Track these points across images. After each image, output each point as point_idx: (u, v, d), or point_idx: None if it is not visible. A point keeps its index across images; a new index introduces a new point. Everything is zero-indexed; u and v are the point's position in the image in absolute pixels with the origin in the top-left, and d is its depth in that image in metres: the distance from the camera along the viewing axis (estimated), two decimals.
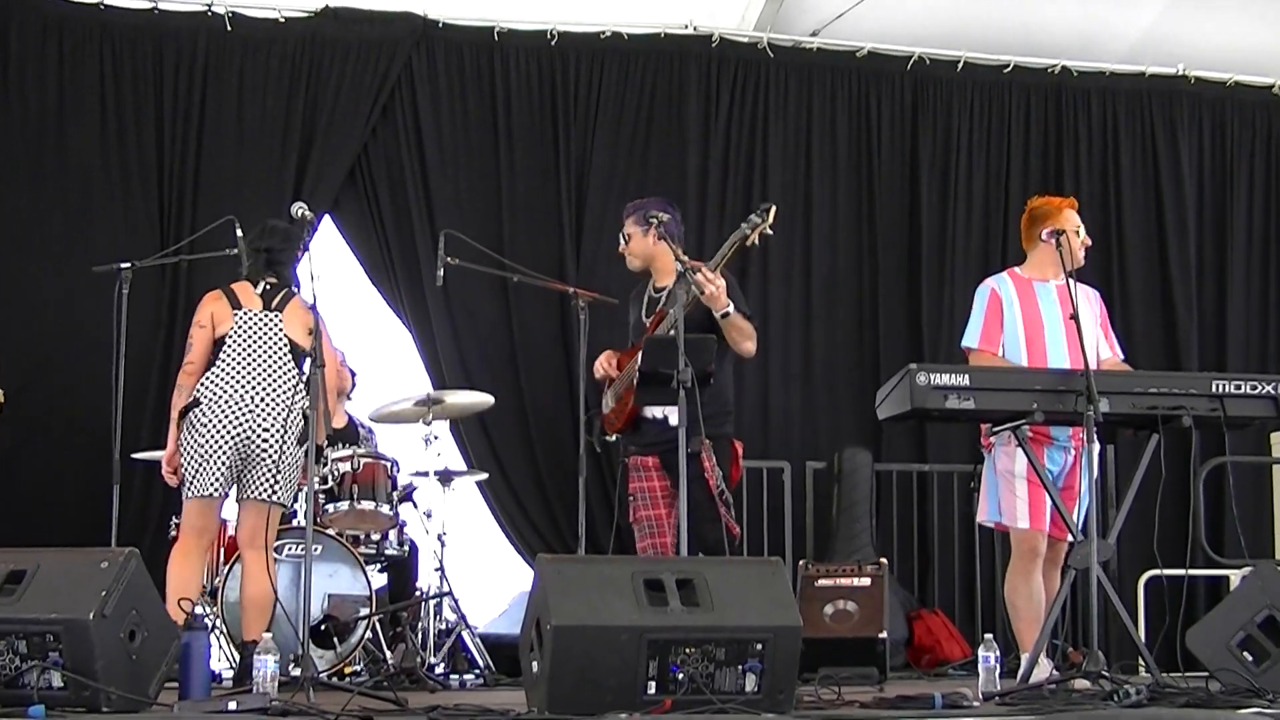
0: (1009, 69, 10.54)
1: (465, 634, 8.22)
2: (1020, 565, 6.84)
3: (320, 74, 9.54)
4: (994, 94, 10.58)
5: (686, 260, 6.79)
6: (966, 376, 6.44)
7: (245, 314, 6.92)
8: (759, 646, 5.36)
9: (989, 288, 7.10)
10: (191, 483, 6.78)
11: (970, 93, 10.55)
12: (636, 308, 7.39)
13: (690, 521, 6.74)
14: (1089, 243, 7.12)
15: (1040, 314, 6.98)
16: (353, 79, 9.55)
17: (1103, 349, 7.06)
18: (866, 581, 8.41)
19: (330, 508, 8.01)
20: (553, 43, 9.87)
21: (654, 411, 7.11)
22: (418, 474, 8.51)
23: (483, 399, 8.81)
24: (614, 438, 7.31)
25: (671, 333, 6.63)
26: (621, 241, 7.38)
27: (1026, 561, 6.81)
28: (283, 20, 9.55)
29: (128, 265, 7.38)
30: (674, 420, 6.90)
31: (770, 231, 7.06)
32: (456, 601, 8.28)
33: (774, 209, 7.02)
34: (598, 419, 7.45)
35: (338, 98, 9.52)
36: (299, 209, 6.64)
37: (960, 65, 10.48)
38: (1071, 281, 6.67)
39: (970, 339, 7.05)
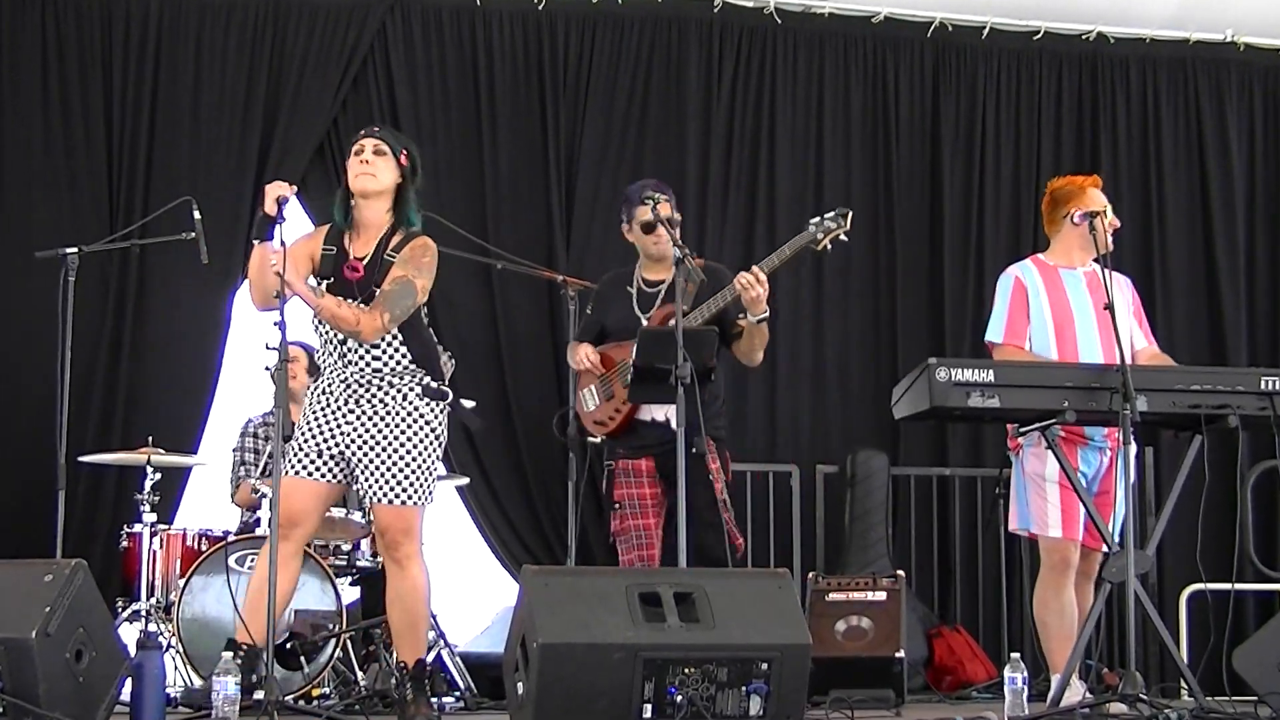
0: (1039, 36, 10.53)
1: (444, 653, 8.22)
2: (1051, 578, 6.84)
3: (285, 41, 9.51)
4: (1023, 63, 10.56)
5: (685, 248, 6.79)
6: (991, 372, 6.46)
7: None
8: (764, 666, 5.38)
9: (1012, 276, 7.12)
10: None
11: (997, 62, 10.53)
12: (621, 301, 7.42)
13: (690, 532, 6.77)
14: (1118, 224, 7.13)
15: (1070, 303, 6.99)
16: (321, 47, 9.52)
17: (1137, 339, 7.07)
18: (882, 596, 8.42)
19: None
20: (540, 7, 9.86)
21: (652, 413, 7.14)
22: None
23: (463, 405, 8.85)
24: (599, 439, 7.31)
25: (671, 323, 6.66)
26: (668, 223, 7.25)
27: (1058, 574, 6.82)
28: None
29: (74, 250, 7.38)
30: (676, 422, 6.95)
31: (845, 239, 7.14)
32: (435, 617, 8.28)
33: (850, 214, 7.10)
34: (576, 420, 7.47)
35: (304, 68, 9.50)
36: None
37: (986, 32, 10.46)
38: (1105, 267, 6.67)
39: (994, 333, 7.06)
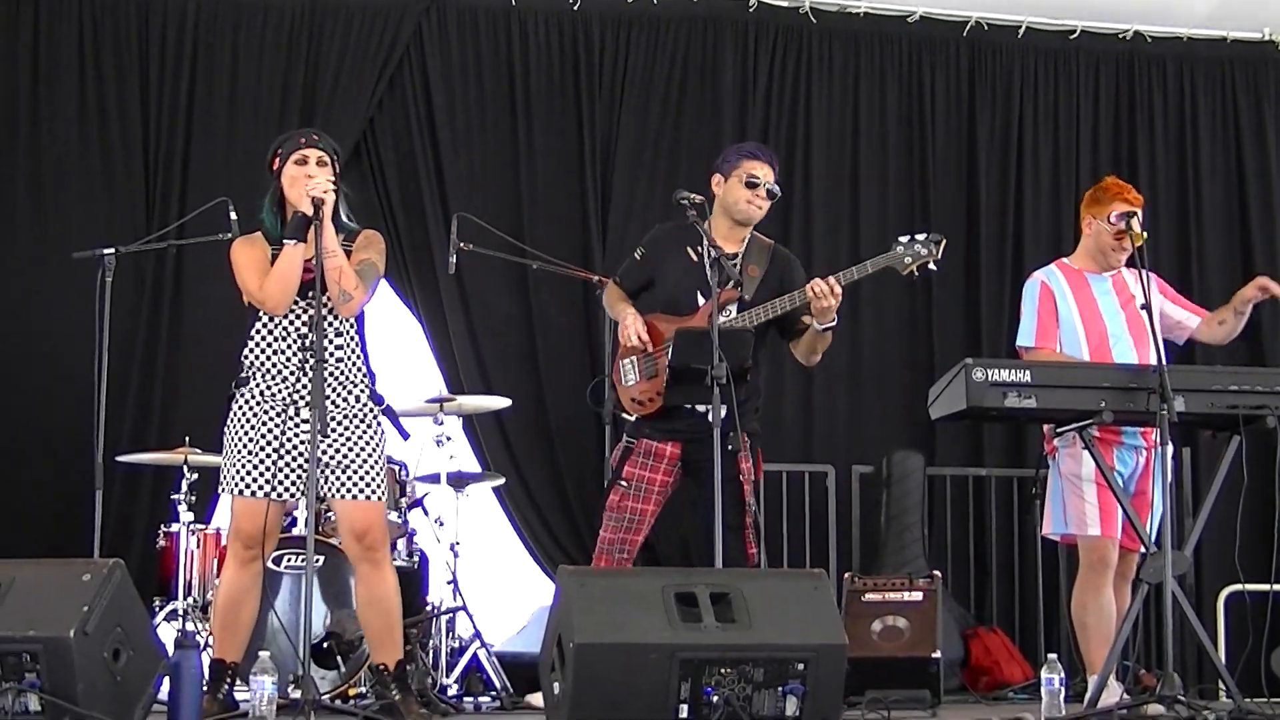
0: (1076, 35, 10.51)
1: (480, 652, 8.22)
2: (1090, 578, 6.82)
3: (321, 42, 9.53)
4: (1059, 63, 10.54)
5: (721, 249, 6.75)
6: (1027, 372, 6.45)
7: None
8: (801, 667, 5.37)
9: (1038, 281, 7.13)
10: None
11: (1033, 61, 10.51)
12: (681, 264, 7.19)
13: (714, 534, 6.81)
14: (1144, 235, 7.05)
15: (1098, 306, 6.98)
16: (357, 48, 9.54)
17: (1189, 320, 7.11)
18: (918, 596, 8.40)
19: (333, 515, 8.02)
20: (575, 8, 9.86)
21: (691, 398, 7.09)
22: (428, 478, 8.53)
23: (498, 402, 8.85)
24: (634, 417, 7.20)
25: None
26: (768, 192, 7.23)
27: (1097, 574, 6.80)
28: None
29: (111, 251, 7.39)
30: (712, 421, 6.92)
31: (934, 268, 7.06)
32: (471, 617, 8.30)
33: (944, 242, 7.01)
34: (613, 391, 7.30)
35: (340, 68, 9.52)
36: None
37: (1022, 31, 10.44)
38: (1142, 267, 6.65)
39: (1025, 338, 7.05)
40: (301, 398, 6.33)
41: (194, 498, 8.17)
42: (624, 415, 7.20)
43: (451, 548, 8.38)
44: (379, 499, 6.45)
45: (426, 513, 8.55)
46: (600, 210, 9.77)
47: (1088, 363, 6.82)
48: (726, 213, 7.21)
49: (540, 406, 9.57)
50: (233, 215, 7.34)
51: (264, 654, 5.80)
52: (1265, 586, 8.26)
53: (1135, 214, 6.90)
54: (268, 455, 6.33)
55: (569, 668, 5.21)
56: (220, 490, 6.52)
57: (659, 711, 5.21)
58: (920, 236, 7.00)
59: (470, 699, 8.09)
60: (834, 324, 6.95)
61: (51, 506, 8.76)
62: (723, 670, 5.29)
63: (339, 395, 6.40)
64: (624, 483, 7.09)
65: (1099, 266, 7.11)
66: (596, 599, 5.37)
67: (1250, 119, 10.66)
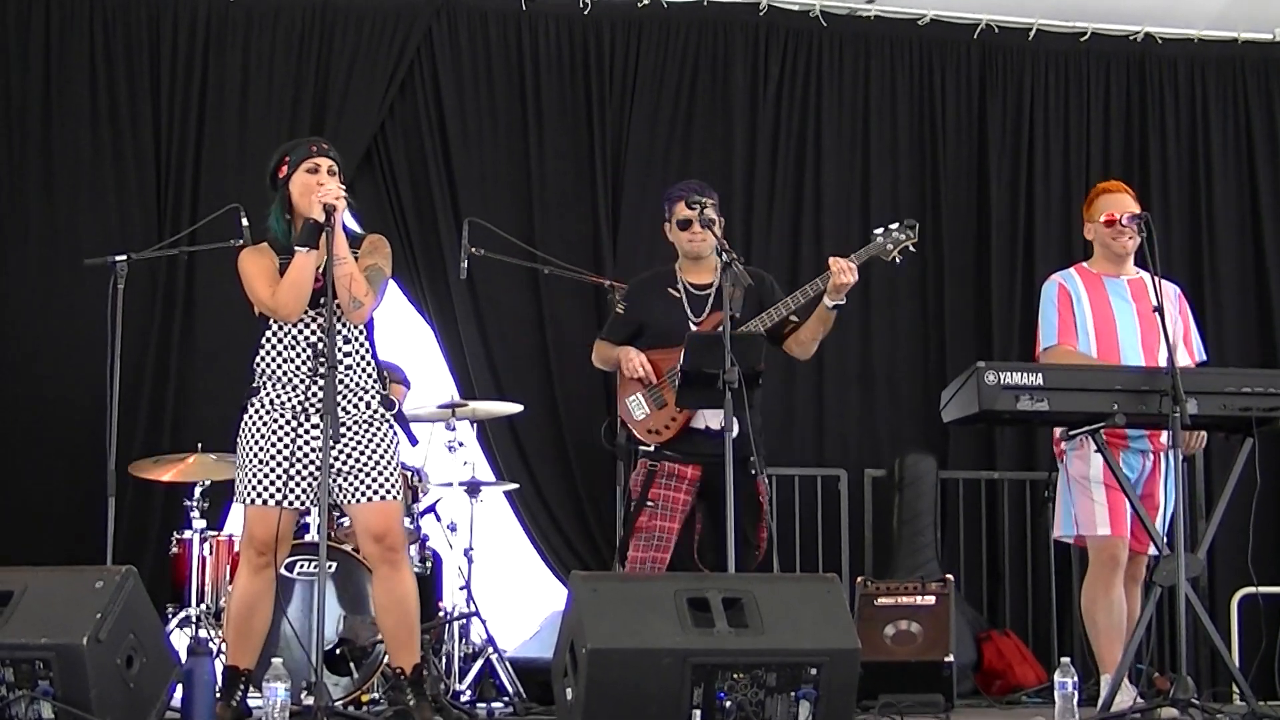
0: (1086, 37, 10.49)
1: (493, 658, 8.22)
2: (1100, 576, 6.82)
3: (332, 47, 9.54)
4: (1070, 65, 10.52)
5: (732, 252, 6.79)
6: (1039, 375, 6.43)
7: None
8: (814, 671, 5.37)
9: (1055, 283, 7.14)
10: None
11: (1044, 64, 10.49)
12: (664, 303, 7.40)
13: (727, 548, 6.86)
14: (1129, 229, 7.05)
15: (1112, 310, 6.98)
16: (368, 52, 9.54)
17: (1181, 356, 7.00)
18: (931, 600, 8.40)
19: (345, 521, 8.02)
20: (585, 11, 9.86)
21: (707, 420, 7.12)
22: (443, 484, 8.54)
23: (511, 407, 8.85)
24: (653, 447, 7.27)
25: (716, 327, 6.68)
26: (703, 224, 7.36)
27: (1107, 571, 6.80)
28: None
29: (123, 257, 7.39)
30: (724, 426, 6.98)
31: (913, 250, 7.50)
32: (484, 623, 8.30)
33: (917, 225, 7.44)
34: (624, 428, 7.39)
35: (351, 73, 9.52)
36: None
37: (1032, 33, 10.43)
38: (1154, 274, 6.65)
39: (1048, 338, 7.04)
40: (313, 405, 6.31)
41: (206, 504, 8.18)
42: (642, 446, 7.27)
43: (465, 553, 8.39)
44: (395, 499, 6.43)
45: (439, 518, 8.56)
46: (611, 213, 9.77)
47: (1100, 365, 6.81)
48: (682, 254, 7.52)
49: (553, 411, 9.56)
50: (244, 221, 7.35)
51: (277, 660, 5.80)
52: (1279, 589, 8.28)
53: (1114, 220, 6.95)
54: (279, 464, 6.33)
55: (581, 673, 5.22)
56: (235, 500, 6.52)
57: (672, 717, 5.22)
58: (894, 225, 7.41)
59: (483, 705, 8.08)
60: (844, 303, 7.24)
61: (64, 513, 8.77)
62: (735, 675, 5.29)
63: (350, 402, 6.39)
64: (651, 503, 7.15)
65: (1115, 269, 7.11)
66: (609, 604, 5.38)
67: (1261, 119, 10.64)
